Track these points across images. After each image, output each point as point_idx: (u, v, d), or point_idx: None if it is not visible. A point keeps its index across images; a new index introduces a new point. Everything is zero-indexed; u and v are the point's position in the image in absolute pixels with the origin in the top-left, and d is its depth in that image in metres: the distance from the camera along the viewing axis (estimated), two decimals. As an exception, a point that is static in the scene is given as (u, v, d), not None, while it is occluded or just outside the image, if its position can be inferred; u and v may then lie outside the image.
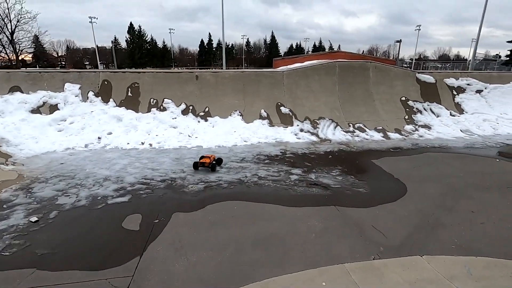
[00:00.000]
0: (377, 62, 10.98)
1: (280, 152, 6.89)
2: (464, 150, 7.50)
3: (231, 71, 10.31)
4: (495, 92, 11.46)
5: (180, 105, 8.58)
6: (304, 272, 2.92)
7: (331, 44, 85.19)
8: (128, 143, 7.10)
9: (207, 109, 8.68)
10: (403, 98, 10.26)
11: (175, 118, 8.23)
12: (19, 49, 28.38)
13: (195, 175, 5.42)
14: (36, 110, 7.55)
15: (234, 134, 7.88)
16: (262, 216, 3.97)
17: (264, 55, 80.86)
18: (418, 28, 52.36)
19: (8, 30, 26.45)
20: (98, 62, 53.37)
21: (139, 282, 2.75)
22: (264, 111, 8.89)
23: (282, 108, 9.04)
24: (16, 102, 7.44)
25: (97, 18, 49.96)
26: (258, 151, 6.96)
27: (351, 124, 9.06)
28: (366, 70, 10.17)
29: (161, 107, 8.46)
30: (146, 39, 67.57)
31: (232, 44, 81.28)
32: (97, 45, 52.95)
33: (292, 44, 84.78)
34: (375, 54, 74.84)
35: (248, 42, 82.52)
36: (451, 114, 10.30)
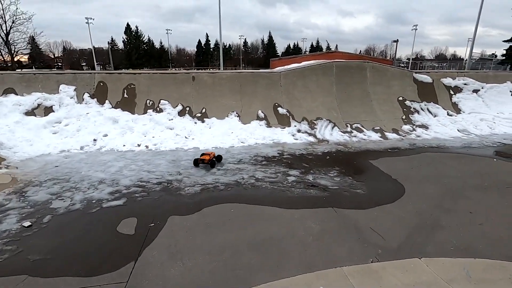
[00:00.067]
0: (374, 62, 10.98)
1: (278, 153, 6.85)
2: (462, 150, 7.50)
3: (228, 72, 10.26)
4: (491, 91, 11.50)
5: (176, 106, 8.52)
6: (301, 276, 2.88)
7: (328, 44, 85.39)
8: (124, 145, 7.03)
9: (204, 110, 8.62)
10: (401, 98, 10.25)
11: (172, 119, 8.17)
12: (14, 50, 28.13)
13: (191, 177, 5.36)
14: (30, 112, 7.45)
15: (231, 135, 7.83)
16: (259, 219, 3.93)
17: (261, 55, 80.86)
18: (414, 28, 52.63)
19: (3, 31, 26.22)
20: (95, 63, 53.15)
21: (134, 288, 2.70)
22: (262, 111, 8.85)
23: (279, 108, 9.00)
24: (10, 104, 7.35)
25: (93, 19, 49.83)
26: (255, 152, 6.92)
27: (348, 125, 9.04)
28: (363, 70, 10.15)
29: (158, 108, 8.40)
30: (143, 39, 67.40)
31: (229, 45, 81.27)
32: (93, 46, 52.75)
33: (289, 44, 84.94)
34: (372, 54, 75.06)
35: (245, 43, 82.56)
36: (448, 114, 10.31)
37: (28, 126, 6.99)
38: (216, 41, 72.31)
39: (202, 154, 5.98)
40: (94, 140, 7.13)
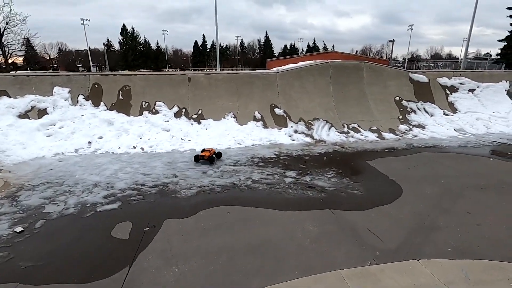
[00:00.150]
0: (370, 62, 10.98)
1: (275, 154, 6.81)
2: (458, 149, 7.51)
3: (224, 73, 10.20)
4: (487, 90, 11.55)
5: (172, 107, 8.46)
6: (299, 280, 2.84)
7: (325, 44, 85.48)
8: (119, 148, 6.96)
9: (200, 112, 8.56)
10: (397, 98, 10.26)
11: (168, 121, 8.10)
12: (8, 52, 27.83)
13: (187, 179, 5.31)
14: (24, 115, 7.35)
15: (227, 136, 7.78)
16: (256, 222, 3.88)
17: (258, 55, 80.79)
18: (410, 27, 52.90)
19: (-4, 33, 25.94)
20: (91, 64, 52.79)
21: (128, 295, 2.64)
22: (258, 112, 8.81)
23: (276, 109, 8.97)
24: (3, 107, 7.25)
25: (89, 20, 49.43)
26: (252, 153, 6.87)
27: (345, 125, 9.02)
28: (359, 70, 10.15)
29: (153, 110, 8.32)
30: (140, 40, 67.01)
31: (226, 45, 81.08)
32: (89, 47, 52.40)
33: (286, 45, 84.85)
34: (368, 54, 75.33)
35: (242, 43, 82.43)
36: (444, 114, 10.33)
37: (22, 129, 6.89)
38: (213, 41, 72.16)
39: (203, 150, 6.32)
40: (89, 142, 7.04)
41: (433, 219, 3.95)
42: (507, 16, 16.94)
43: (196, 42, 77.96)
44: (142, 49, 66.71)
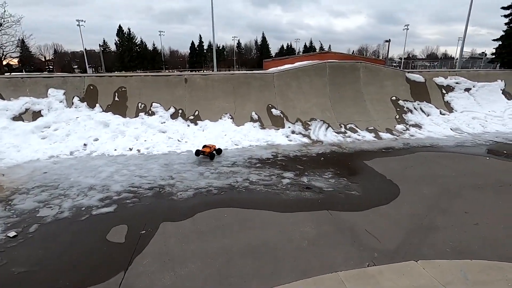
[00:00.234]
0: (367, 62, 11.00)
1: (272, 155, 6.79)
2: (455, 148, 7.53)
3: (221, 74, 10.16)
4: (483, 90, 11.62)
5: (169, 109, 8.40)
6: (297, 283, 2.81)
7: (321, 44, 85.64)
8: (115, 150, 6.89)
9: (197, 113, 8.52)
10: (394, 98, 10.28)
11: (164, 122, 8.04)
12: (2, 54, 27.60)
13: (184, 181, 5.26)
14: (18, 118, 7.26)
15: (224, 137, 7.74)
16: (253, 224, 3.85)
17: (255, 56, 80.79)
18: (406, 27, 53.17)
19: (-10, 34, 25.76)
20: (87, 66, 52.50)
21: (123, 300, 2.60)
22: (255, 113, 8.78)
23: (273, 110, 8.94)
24: (-4, 109, 7.15)
25: (84, 21, 49.20)
26: (249, 154, 6.84)
27: (342, 125, 9.02)
28: (356, 70, 10.16)
29: (150, 111, 8.26)
30: (136, 41, 66.74)
31: (223, 46, 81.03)
32: (85, 49, 52.13)
33: (283, 45, 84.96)
34: (365, 54, 75.62)
35: (239, 44, 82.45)
36: (441, 113, 10.37)
37: (16, 131, 6.81)
38: (210, 42, 72.12)
39: (204, 146, 6.55)
40: (84, 144, 6.97)
41: (431, 219, 3.95)
42: (502, 15, 17.06)
43: (192, 43, 77.85)
44: (138, 50, 66.45)
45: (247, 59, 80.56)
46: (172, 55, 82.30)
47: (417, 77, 11.04)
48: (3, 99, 7.51)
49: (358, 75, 10.14)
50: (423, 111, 10.27)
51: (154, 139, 7.40)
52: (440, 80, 11.36)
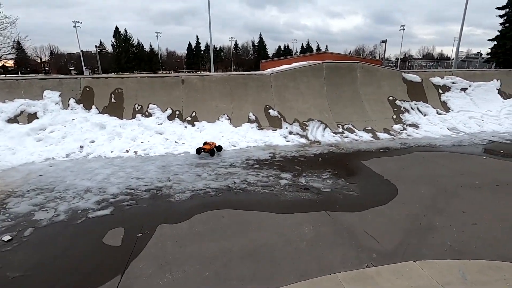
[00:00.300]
0: (364, 63, 11.02)
1: (270, 156, 6.77)
2: (452, 148, 7.56)
3: (218, 74, 10.14)
4: (479, 89, 11.68)
5: (166, 110, 8.36)
6: (295, 285, 2.79)
7: (318, 45, 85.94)
8: (112, 152, 6.84)
9: (194, 114, 8.49)
10: (391, 98, 10.31)
11: (161, 124, 8.00)
12: (-3, 56, 27.39)
13: (181, 183, 5.23)
14: (13, 120, 7.20)
15: (222, 138, 7.71)
16: (251, 225, 3.83)
17: (252, 57, 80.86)
18: (402, 28, 53.49)
19: (-15, 36, 25.47)
20: (83, 67, 52.25)
21: (119, 305, 2.57)
22: (253, 114, 8.76)
23: (270, 111, 8.93)
24: (-9, 112, 7.08)
25: (81, 23, 49.06)
26: (247, 155, 6.82)
27: (340, 125, 9.02)
28: (353, 70, 10.18)
29: (146, 112, 8.22)
30: (133, 43, 66.52)
31: (220, 47, 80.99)
32: (81, 50, 51.94)
33: (280, 46, 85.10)
34: (361, 54, 75.93)
35: (236, 44, 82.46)
36: (437, 113, 10.41)
37: (11, 134, 6.74)
38: (207, 43, 72.02)
39: (205, 143, 6.85)
40: (81, 147, 6.92)
41: (429, 219, 3.94)
42: (497, 16, 17.20)
43: (189, 44, 77.76)
44: (135, 51, 66.24)
45: (244, 60, 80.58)
46: (169, 56, 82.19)
47: (413, 77, 11.08)
48: (-2, 101, 7.43)
49: (355, 76, 10.16)
50: (420, 111, 10.31)
51: (151, 141, 7.36)
52: (436, 80, 11.41)
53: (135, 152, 6.90)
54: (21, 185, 5.09)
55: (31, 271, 3.00)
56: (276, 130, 8.46)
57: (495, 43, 17.30)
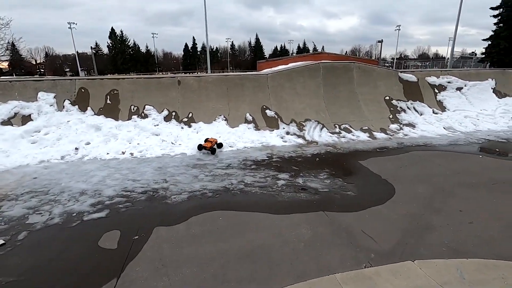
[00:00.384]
0: (360, 63, 11.05)
1: (267, 157, 6.74)
2: (448, 147, 7.59)
3: (214, 75, 10.11)
4: (474, 89, 11.76)
5: (162, 111, 8.31)
6: (293, 286, 2.77)
7: (315, 45, 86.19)
8: (107, 153, 6.78)
9: (190, 115, 8.44)
10: (387, 98, 10.34)
11: (157, 125, 7.95)
12: (-8, 57, 27.11)
13: (178, 184, 5.19)
14: (6, 122, 7.10)
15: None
16: (248, 226, 3.80)
17: (249, 57, 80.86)
18: (398, 28, 53.83)
19: (-21, 38, 25.21)
20: (79, 69, 51.94)
21: (115, 309, 2.53)
22: (250, 114, 8.74)
23: (267, 111, 8.91)
24: (-16, 114, 6.98)
25: (76, 24, 48.81)
26: (244, 156, 6.79)
27: (337, 125, 9.03)
28: (349, 70, 10.20)
29: (142, 114, 8.16)
30: (129, 44, 66.27)
31: (216, 48, 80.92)
32: (77, 51, 51.64)
33: (276, 46, 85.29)
34: (357, 55, 76.27)
35: (232, 45, 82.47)
36: (433, 112, 10.46)
37: (4, 136, 6.65)
38: (203, 44, 71.97)
39: (206, 140, 7.11)
40: (76, 148, 6.84)
41: (427, 219, 3.94)
42: (491, 16, 17.36)
43: (186, 45, 77.64)
44: (131, 52, 66.01)
45: (241, 60, 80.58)
46: (166, 57, 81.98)
47: (409, 76, 11.13)
48: (-9, 103, 7.34)
49: (351, 76, 10.18)
50: (416, 111, 10.35)
51: (148, 142, 7.30)
52: (432, 79, 11.47)
53: (131, 154, 6.84)
54: (15, 188, 5.02)
55: (25, 275, 2.95)
56: (273, 130, 8.44)
57: (489, 43, 17.46)
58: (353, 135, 8.63)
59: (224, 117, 8.56)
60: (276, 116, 8.86)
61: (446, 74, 11.98)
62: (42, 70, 66.55)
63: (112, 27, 64.30)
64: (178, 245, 3.40)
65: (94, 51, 59.81)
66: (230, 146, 7.45)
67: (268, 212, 4.16)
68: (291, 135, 8.34)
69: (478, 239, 3.48)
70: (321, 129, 8.73)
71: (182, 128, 8.08)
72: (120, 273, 2.95)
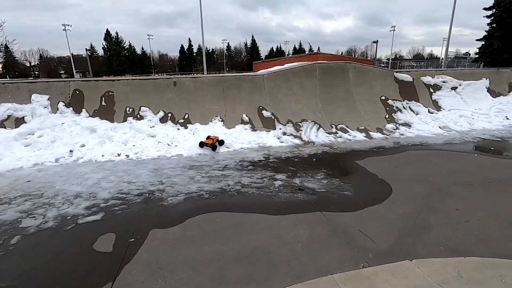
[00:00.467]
0: (356, 63, 11.09)
1: (264, 157, 6.72)
2: (444, 146, 7.63)
3: (210, 76, 10.07)
4: (468, 88, 11.86)
5: (158, 112, 8.26)
6: (292, 287, 2.74)
7: (310, 46, 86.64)
8: (103, 155, 6.71)
9: (186, 116, 8.40)
10: (383, 98, 10.38)
11: (153, 126, 7.89)
12: (-15, 60, 26.82)
13: (175, 186, 5.14)
14: None
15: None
16: (245, 228, 3.77)
17: (245, 58, 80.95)
18: (393, 29, 54.23)
19: (-29, 40, 24.92)
20: (74, 71, 51.58)
21: (110, 313, 2.48)
22: (246, 115, 8.72)
23: (264, 112, 8.90)
24: (-23, 117, 6.88)
25: (71, 26, 48.50)
26: (240, 157, 6.76)
27: (333, 126, 9.04)
28: (345, 71, 10.23)
29: (138, 115, 8.10)
30: (124, 45, 65.97)
31: (212, 49, 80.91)
32: (72, 53, 51.30)
33: (272, 47, 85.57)
34: (353, 55, 76.73)
35: (228, 46, 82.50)
36: (429, 112, 10.52)
37: (-3, 139, 6.55)
38: (199, 45, 71.88)
39: (208, 137, 7.29)
40: (71, 151, 6.76)
41: (424, 218, 3.94)
42: (484, 16, 17.54)
43: (182, 47, 77.50)
44: (127, 54, 65.73)
45: (237, 61, 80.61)
46: (162, 58, 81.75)
47: (405, 76, 11.19)
48: (-16, 105, 7.23)
49: (347, 76, 10.21)
50: (412, 110, 10.41)
51: (143, 144, 7.25)
52: (427, 79, 11.55)
53: (127, 156, 6.78)
54: (8, 192, 4.94)
55: (18, 280, 2.89)
56: (270, 131, 8.43)
57: (483, 43, 17.64)
58: (350, 135, 8.64)
59: (220, 118, 8.53)
60: (272, 116, 8.85)
61: (441, 74, 12.06)
62: (36, 73, 66.01)
63: (107, 29, 64.18)
64: (174, 247, 3.36)
65: (89, 53, 59.48)
66: (226, 147, 7.41)
67: (265, 213, 4.13)
68: (288, 135, 8.33)
69: (475, 237, 3.49)
70: (318, 129, 8.74)
71: (178, 129, 8.03)
72: (115, 277, 2.90)
